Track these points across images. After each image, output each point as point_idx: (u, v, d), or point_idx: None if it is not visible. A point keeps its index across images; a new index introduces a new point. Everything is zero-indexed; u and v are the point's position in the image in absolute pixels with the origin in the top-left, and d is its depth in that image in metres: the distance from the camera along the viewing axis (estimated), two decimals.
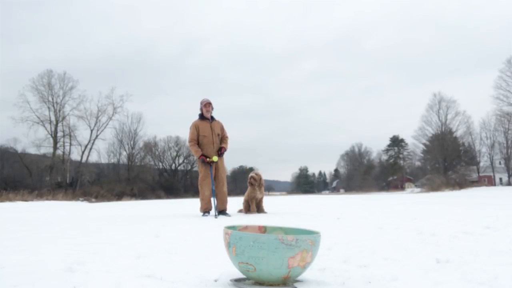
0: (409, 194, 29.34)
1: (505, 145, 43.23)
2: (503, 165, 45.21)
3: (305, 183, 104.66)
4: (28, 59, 61.99)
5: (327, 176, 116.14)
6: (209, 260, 2.12)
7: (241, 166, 77.68)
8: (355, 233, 3.34)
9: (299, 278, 1.65)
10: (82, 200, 29.67)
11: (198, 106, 6.54)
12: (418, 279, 1.63)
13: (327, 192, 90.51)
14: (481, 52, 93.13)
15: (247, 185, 6.76)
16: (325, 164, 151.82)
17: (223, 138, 6.58)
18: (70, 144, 39.53)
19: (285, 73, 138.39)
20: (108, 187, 37.61)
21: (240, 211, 7.02)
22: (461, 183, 35.42)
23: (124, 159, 48.56)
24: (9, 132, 54.66)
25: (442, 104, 44.69)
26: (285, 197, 34.15)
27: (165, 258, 2.20)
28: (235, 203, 9.04)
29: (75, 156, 41.26)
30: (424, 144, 47.75)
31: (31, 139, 40.78)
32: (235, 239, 1.53)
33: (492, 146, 44.52)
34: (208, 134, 6.37)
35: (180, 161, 57.21)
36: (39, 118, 37.65)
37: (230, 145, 6.79)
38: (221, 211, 6.27)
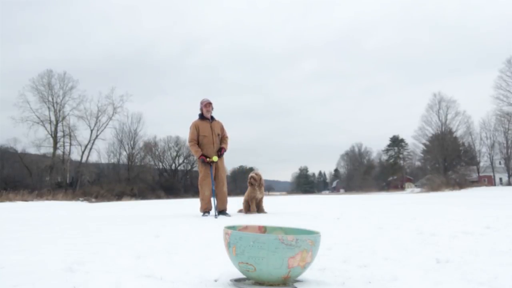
0: (409, 194, 29.34)
1: (505, 145, 43.25)
2: (503, 165, 45.21)
3: (305, 183, 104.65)
4: (28, 59, 62.05)
5: (327, 176, 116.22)
6: (209, 260, 2.12)
7: (241, 166, 77.79)
8: (355, 233, 3.34)
9: (299, 278, 1.65)
10: (82, 200, 29.67)
11: (198, 106, 6.54)
12: (418, 279, 1.63)
13: (327, 192, 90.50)
14: (481, 52, 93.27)
15: (247, 185, 6.76)
16: (325, 164, 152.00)
17: (223, 138, 6.58)
18: (70, 144, 39.60)
19: (285, 73, 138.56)
20: (108, 187, 37.62)
21: (240, 211, 7.02)
22: (461, 183, 35.42)
23: (124, 159, 48.61)
24: (9, 132, 54.75)
25: (442, 104, 44.75)
26: (285, 197, 34.16)
27: (165, 258, 2.20)
28: (235, 203, 9.04)
29: (75, 156, 41.34)
30: (424, 144, 47.78)
31: (31, 139, 40.86)
32: (235, 239, 1.53)
33: (492, 146, 44.55)
34: (208, 134, 6.37)
35: (180, 161, 57.29)
36: (39, 118, 37.71)
37: (230, 145, 6.80)
38: (221, 211, 6.27)
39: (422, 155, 51.46)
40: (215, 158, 6.25)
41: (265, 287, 1.53)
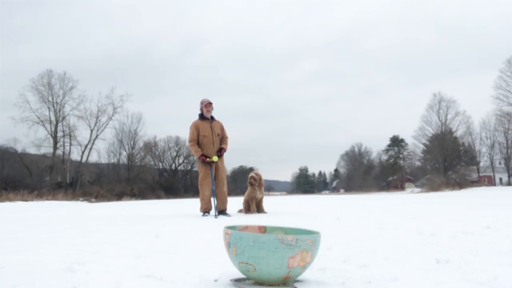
0: (409, 194, 29.34)
1: (505, 145, 43.25)
2: (503, 165, 45.21)
3: (305, 183, 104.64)
4: (28, 59, 62.03)
5: (327, 176, 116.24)
6: (209, 260, 2.12)
7: (241, 166, 77.78)
8: (355, 233, 3.34)
9: (299, 278, 1.65)
10: (82, 200, 29.67)
11: (198, 106, 6.54)
12: (418, 279, 1.63)
13: (327, 192, 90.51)
14: (481, 52, 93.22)
15: (247, 185, 6.76)
16: (325, 164, 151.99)
17: (223, 138, 6.58)
18: (70, 144, 39.59)
19: (285, 73, 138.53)
20: (108, 187, 37.62)
21: (240, 211, 7.02)
22: (461, 183, 35.42)
23: (124, 159, 48.60)
24: (9, 132, 54.73)
25: (442, 104, 44.75)
26: (285, 197, 34.16)
27: (165, 258, 2.20)
28: (235, 203, 9.04)
29: (75, 156, 41.33)
30: (424, 144, 47.78)
31: (31, 139, 40.85)
32: (235, 239, 1.53)
33: (492, 146, 44.55)
34: (208, 134, 6.37)
35: (180, 161, 57.28)
36: (39, 118, 37.70)
37: (230, 145, 6.80)
38: (221, 211, 6.27)
39: (422, 155, 51.48)
40: (215, 158, 6.25)
41: (265, 287, 1.53)
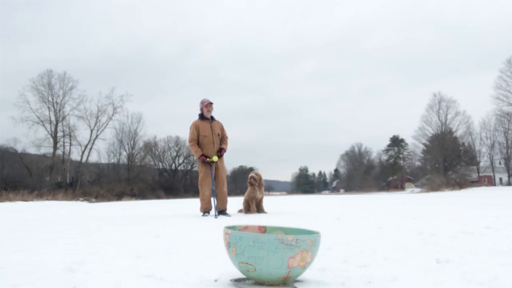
0: (409, 194, 29.34)
1: (505, 145, 43.25)
2: (503, 165, 45.21)
3: (305, 183, 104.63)
4: (28, 59, 62.01)
5: (327, 176, 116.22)
6: (209, 260, 2.12)
7: (241, 166, 77.77)
8: (355, 233, 3.34)
9: (299, 278, 1.65)
10: (82, 200, 29.67)
11: (198, 106, 6.54)
12: (418, 279, 1.63)
13: (327, 192, 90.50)
14: (481, 52, 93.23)
15: (247, 185, 6.76)
16: (325, 164, 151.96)
17: (223, 138, 6.58)
18: (70, 144, 39.58)
19: (285, 73, 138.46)
20: (108, 187, 37.62)
21: (240, 211, 7.02)
22: (461, 183, 35.42)
23: (124, 159, 48.60)
24: (9, 132, 54.73)
25: (442, 104, 44.75)
26: (285, 197, 34.16)
27: (165, 258, 2.20)
28: (235, 203, 9.04)
29: (75, 156, 41.33)
30: (424, 144, 47.78)
31: (31, 139, 40.84)
32: (235, 239, 1.53)
33: (492, 146, 44.55)
34: (208, 134, 6.37)
35: (180, 161, 57.26)
36: (39, 118, 37.70)
37: (230, 145, 6.80)
38: (221, 211, 6.27)
39: (422, 155, 51.48)
40: (215, 158, 6.25)
41: (265, 287, 1.53)
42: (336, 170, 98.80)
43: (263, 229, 1.85)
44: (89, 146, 40.58)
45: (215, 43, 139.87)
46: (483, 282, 1.56)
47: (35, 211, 11.05)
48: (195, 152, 6.36)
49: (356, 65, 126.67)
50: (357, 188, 66.97)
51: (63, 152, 39.30)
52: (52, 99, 38.46)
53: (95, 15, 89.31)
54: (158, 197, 41.57)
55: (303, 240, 1.49)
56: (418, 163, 60.84)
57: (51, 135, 38.22)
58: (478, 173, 45.14)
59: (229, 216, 6.05)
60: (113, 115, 41.62)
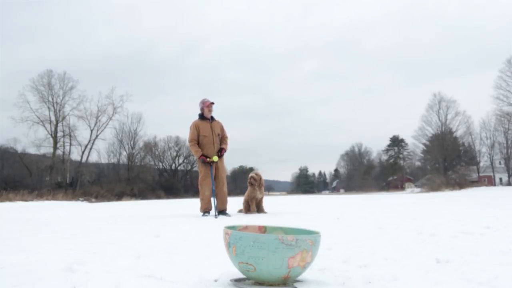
0: (409, 194, 29.34)
1: (505, 145, 43.26)
2: (503, 165, 45.21)
3: (305, 183, 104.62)
4: (28, 59, 62.02)
5: (327, 176, 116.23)
6: (209, 260, 2.12)
7: (241, 166, 77.74)
8: (355, 233, 3.34)
9: (299, 278, 1.65)
10: (82, 200, 29.67)
11: (198, 106, 6.54)
12: (418, 279, 1.63)
13: (327, 192, 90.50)
14: (481, 52, 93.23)
15: (247, 185, 6.76)
16: (325, 164, 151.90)
17: (223, 138, 6.58)
18: (70, 144, 39.59)
19: (285, 73, 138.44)
20: (108, 187, 37.62)
21: (240, 211, 7.02)
22: (461, 183, 35.42)
23: (124, 159, 48.60)
24: (9, 132, 54.71)
25: (442, 104, 44.77)
26: (285, 197, 34.16)
27: (165, 258, 2.20)
28: (235, 203, 9.04)
29: (75, 156, 41.33)
30: (424, 144, 47.79)
31: (31, 139, 40.79)
32: (235, 239, 1.53)
33: (492, 146, 44.56)
34: (209, 134, 6.37)
35: (180, 161, 57.26)
36: (39, 118, 37.70)
37: (230, 145, 6.80)
38: (221, 211, 6.27)
39: (422, 155, 51.49)
40: (215, 158, 6.25)
41: (265, 287, 1.53)
42: (336, 170, 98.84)
43: (263, 229, 1.85)
44: (89, 146, 40.65)
45: (215, 43, 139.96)
46: (483, 282, 1.56)
47: (35, 211, 11.05)
48: (195, 152, 6.36)
49: (356, 65, 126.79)
50: (357, 188, 66.96)
51: (63, 152, 39.34)
52: (52, 99, 38.52)
53: (95, 15, 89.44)
54: (158, 197, 41.57)
55: (303, 240, 1.49)
56: (418, 163, 60.90)
57: (51, 135, 38.25)
58: (478, 173, 45.14)
59: (229, 216, 6.05)
60: (113, 115, 41.69)
